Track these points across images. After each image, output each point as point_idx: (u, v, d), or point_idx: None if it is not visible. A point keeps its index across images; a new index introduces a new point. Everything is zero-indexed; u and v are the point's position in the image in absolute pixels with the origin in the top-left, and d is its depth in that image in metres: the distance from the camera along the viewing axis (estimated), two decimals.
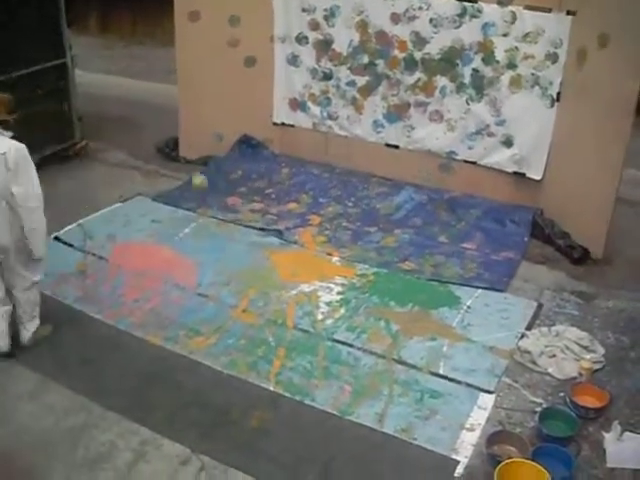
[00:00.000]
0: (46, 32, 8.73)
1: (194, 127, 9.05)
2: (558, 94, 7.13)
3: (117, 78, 12.99)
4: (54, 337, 5.77)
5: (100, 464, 4.64)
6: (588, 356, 5.56)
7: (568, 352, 5.60)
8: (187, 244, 7.18)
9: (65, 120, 9.28)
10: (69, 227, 7.46)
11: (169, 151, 9.46)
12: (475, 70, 7.55)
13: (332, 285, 6.60)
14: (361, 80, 8.27)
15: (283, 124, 8.95)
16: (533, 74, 7.23)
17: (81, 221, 7.59)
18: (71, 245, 7.17)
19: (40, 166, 8.78)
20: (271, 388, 5.29)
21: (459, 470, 4.59)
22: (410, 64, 7.87)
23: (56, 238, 7.25)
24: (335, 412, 5.07)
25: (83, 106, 9.64)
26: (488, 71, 7.48)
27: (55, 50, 8.90)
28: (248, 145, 9.07)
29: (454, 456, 4.70)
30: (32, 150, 8.63)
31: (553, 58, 7.05)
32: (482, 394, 5.25)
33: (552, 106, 7.20)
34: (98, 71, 12.74)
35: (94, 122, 10.04)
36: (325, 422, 5.00)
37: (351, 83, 8.34)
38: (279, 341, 5.79)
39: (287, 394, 5.22)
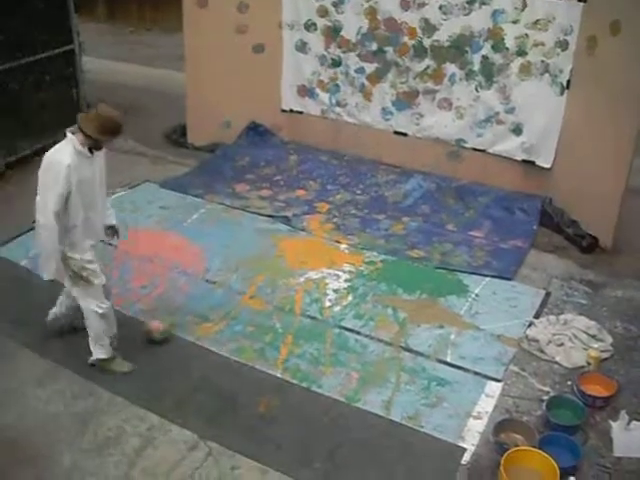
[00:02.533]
0: (54, 19, 8.75)
1: (202, 114, 9.04)
2: (568, 82, 7.09)
3: (125, 65, 12.97)
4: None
5: (108, 449, 4.66)
6: (596, 345, 5.55)
7: (576, 341, 5.59)
8: (195, 230, 7.18)
9: (73, 106, 9.27)
10: None
11: (177, 138, 9.46)
12: (485, 57, 7.51)
13: (340, 272, 6.59)
14: (370, 67, 8.24)
15: (291, 111, 8.94)
16: (543, 61, 7.19)
17: None
18: None
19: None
20: (278, 375, 5.29)
21: (466, 458, 4.59)
22: (419, 51, 7.84)
23: None
24: (342, 399, 5.08)
25: (91, 93, 9.64)
26: (498, 58, 7.44)
27: (63, 37, 8.93)
28: (256, 132, 9.07)
29: (461, 444, 4.70)
30: (41, 136, 8.75)
31: (563, 45, 7.01)
32: (489, 382, 5.25)
33: (562, 94, 7.17)
34: (106, 58, 12.70)
35: None
36: (332, 409, 5.00)
37: (360, 70, 8.32)
38: (286, 328, 5.79)
39: (294, 381, 5.23)
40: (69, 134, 4.70)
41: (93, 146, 4.75)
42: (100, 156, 4.92)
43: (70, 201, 4.71)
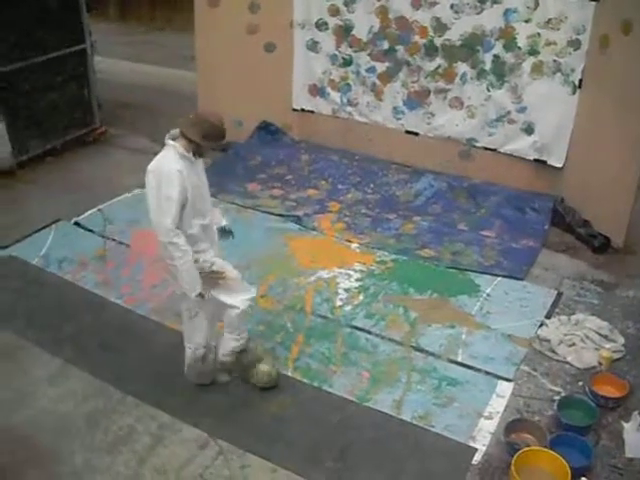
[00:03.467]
0: (66, 18, 8.79)
1: None
2: (580, 81, 7.06)
3: (136, 64, 13.00)
4: (74, 322, 5.80)
5: (119, 447, 4.68)
6: (608, 345, 5.53)
7: (588, 341, 5.57)
8: None
9: (85, 106, 9.36)
10: (89, 212, 7.51)
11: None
12: (496, 56, 7.48)
13: (351, 272, 6.59)
14: (381, 66, 8.23)
15: (303, 110, 8.93)
16: (555, 61, 7.16)
17: (101, 206, 7.63)
18: (91, 230, 7.21)
19: (61, 151, 8.95)
20: (289, 374, 5.30)
21: (477, 458, 4.59)
22: (430, 50, 7.82)
23: (76, 223, 7.30)
24: (353, 398, 5.08)
25: (102, 92, 9.69)
26: (509, 57, 7.41)
27: (75, 36, 8.96)
28: (267, 131, 9.08)
29: (472, 444, 4.70)
30: (53, 135, 8.80)
31: (576, 45, 6.98)
32: (501, 382, 5.24)
33: (574, 93, 7.13)
34: (117, 57, 12.74)
35: (114, 108, 10.11)
36: (343, 408, 5.01)
37: (371, 69, 8.31)
38: (297, 327, 5.79)
39: (305, 380, 5.23)
40: (169, 141, 4.51)
41: (196, 151, 4.55)
42: (200, 161, 4.72)
43: (186, 209, 4.48)
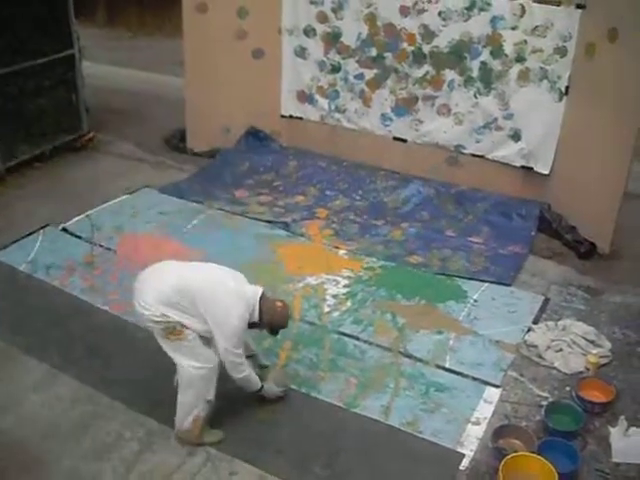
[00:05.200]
0: (54, 24, 8.75)
1: (201, 119, 9.05)
2: (567, 88, 7.11)
3: (124, 70, 12.98)
4: (61, 328, 5.78)
5: (107, 454, 4.66)
6: (595, 351, 5.56)
7: (575, 346, 5.60)
8: (195, 236, 7.17)
9: (73, 112, 9.32)
10: (77, 218, 7.48)
11: (177, 143, 9.47)
12: (483, 63, 7.53)
13: (339, 278, 6.60)
14: (369, 73, 8.25)
15: (291, 117, 8.95)
16: (542, 68, 7.21)
17: (89, 212, 7.60)
18: (79, 236, 7.19)
19: (49, 157, 8.92)
20: None
21: (464, 463, 4.60)
22: (418, 57, 7.86)
23: (64, 229, 7.28)
24: (341, 404, 5.09)
25: (90, 98, 9.67)
26: (496, 64, 7.46)
27: (63, 41, 8.92)
28: (256, 137, 9.08)
29: (459, 449, 4.71)
30: (41, 141, 8.77)
31: (562, 52, 7.03)
32: (488, 388, 5.26)
33: (560, 100, 7.18)
34: (105, 63, 12.72)
35: (101, 114, 10.08)
36: (331, 414, 5.01)
37: (359, 76, 8.33)
38: (285, 333, 5.71)
39: (293, 386, 5.22)
40: (257, 296, 4.59)
41: (251, 326, 4.62)
42: None
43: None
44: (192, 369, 4.52)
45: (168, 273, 4.62)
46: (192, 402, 4.62)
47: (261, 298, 4.59)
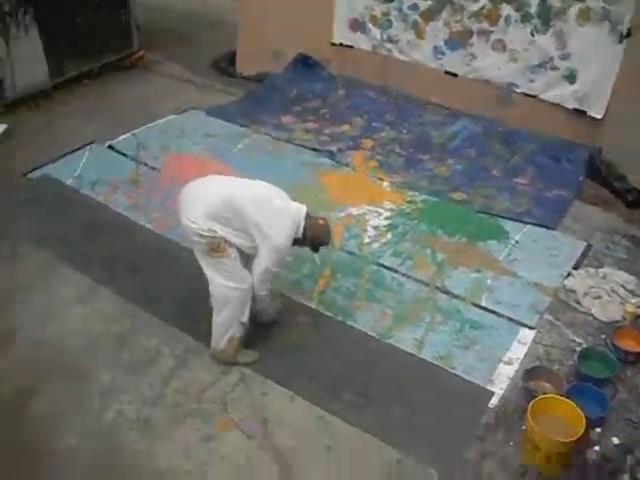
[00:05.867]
0: None
1: (252, 43, 8.97)
2: (628, 30, 6.87)
3: None
4: (104, 244, 5.89)
5: (144, 368, 4.80)
6: (633, 300, 5.50)
7: (613, 295, 5.55)
8: (239, 159, 7.18)
9: (123, 30, 9.30)
10: (123, 136, 7.55)
11: (225, 66, 9.44)
12: (542, 0, 7.29)
13: (381, 210, 6.59)
14: (424, 4, 8.05)
15: (342, 45, 8.81)
16: (603, 7, 6.95)
17: (135, 131, 7.66)
18: (124, 154, 7.26)
19: (98, 75, 8.94)
20: (313, 306, 5.37)
21: (494, 401, 4.64)
22: None
23: (110, 147, 7.35)
24: (375, 335, 5.14)
25: (142, 16, 9.64)
26: (556, 2, 7.20)
27: None
28: (305, 64, 8.98)
29: (490, 387, 4.74)
30: (90, 58, 8.78)
31: None
32: (523, 329, 5.26)
33: (620, 42, 6.95)
34: None
35: (152, 34, 10.05)
36: (365, 344, 5.08)
37: (413, 7, 8.13)
38: (325, 261, 5.82)
39: (329, 313, 5.29)
40: (302, 215, 4.63)
41: (295, 243, 4.66)
42: None
43: None
44: (227, 289, 4.58)
45: (217, 187, 4.61)
46: (227, 322, 4.71)
47: (305, 215, 4.62)
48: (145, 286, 5.49)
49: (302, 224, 4.58)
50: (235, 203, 4.44)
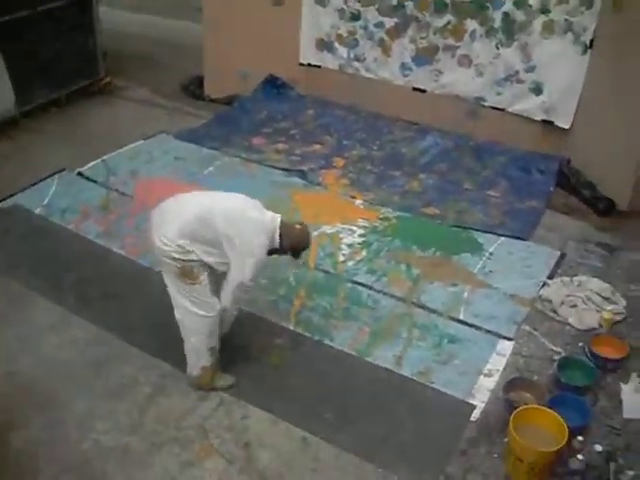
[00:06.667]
0: None
1: (219, 66, 8.97)
2: (591, 41, 6.96)
3: (143, 15, 12.81)
4: (76, 271, 5.81)
5: (120, 396, 4.72)
6: (609, 307, 5.53)
7: (589, 303, 5.57)
8: (211, 182, 7.12)
9: (89, 56, 9.24)
10: (92, 163, 7.48)
11: (194, 89, 9.41)
12: (506, 14, 7.36)
13: (354, 227, 6.58)
14: (389, 22, 8.10)
15: (309, 65, 8.84)
16: (566, 20, 7.05)
17: (104, 157, 7.60)
18: (94, 181, 7.19)
19: (65, 102, 8.89)
20: (291, 327, 5.33)
21: (475, 414, 4.62)
22: (440, 6, 7.70)
23: (79, 174, 7.28)
24: (354, 353, 5.11)
25: (108, 43, 9.59)
26: (520, 15, 7.30)
27: None
28: (273, 85, 8.99)
29: (471, 400, 4.73)
30: (58, 85, 8.73)
31: (588, 3, 6.85)
32: (501, 340, 5.26)
33: (585, 53, 7.04)
34: (123, 8, 12.57)
35: (119, 59, 10.01)
36: (343, 362, 5.04)
37: (379, 24, 8.19)
38: (300, 281, 5.80)
39: (307, 333, 5.26)
40: (275, 224, 4.58)
41: (271, 252, 4.62)
42: None
43: None
44: (196, 317, 4.50)
45: (189, 204, 4.53)
46: (196, 349, 4.64)
47: (280, 224, 4.58)
48: (119, 313, 5.42)
49: (277, 232, 4.54)
50: (207, 217, 4.37)
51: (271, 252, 4.59)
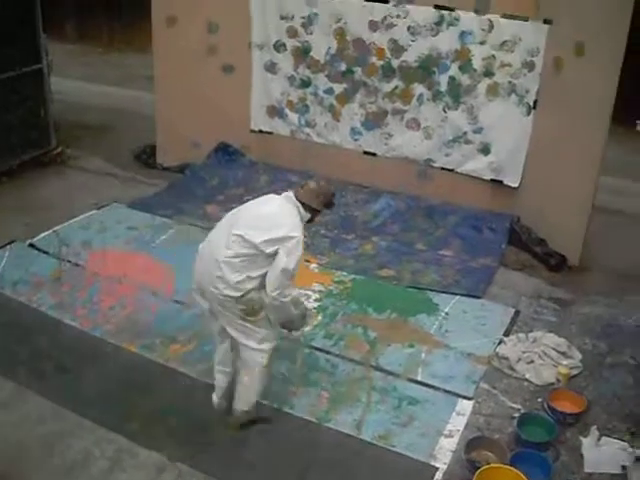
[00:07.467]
0: (22, 38, 8.68)
1: (171, 134, 9.02)
2: (535, 102, 7.17)
3: (95, 85, 12.90)
4: (28, 345, 5.69)
5: (76, 472, 4.58)
6: (565, 362, 5.58)
7: (546, 358, 5.62)
8: (164, 251, 7.12)
9: (41, 126, 9.22)
10: (44, 234, 7.38)
11: (146, 158, 9.42)
12: (452, 78, 7.57)
13: (310, 292, 6.58)
14: (339, 87, 8.26)
15: (261, 131, 8.93)
16: (510, 82, 7.27)
17: (56, 228, 7.52)
18: (46, 252, 7.10)
19: (16, 172, 8.81)
20: None
21: (438, 476, 4.58)
22: (388, 72, 7.88)
23: (31, 245, 7.19)
24: (313, 419, 5.05)
25: (60, 113, 9.60)
26: (465, 79, 7.50)
27: (31, 56, 8.84)
28: (225, 152, 9.04)
29: (433, 462, 4.68)
30: (9, 156, 8.67)
31: (530, 66, 7.09)
32: (460, 400, 5.25)
33: (529, 114, 7.24)
34: (75, 78, 12.65)
35: (71, 129, 10.01)
36: (303, 429, 4.97)
37: (329, 90, 8.34)
38: None
39: (265, 402, 5.17)
40: (293, 200, 4.63)
41: (311, 219, 4.75)
42: None
43: None
44: (259, 352, 4.67)
45: (220, 239, 4.63)
46: (255, 385, 4.80)
47: (296, 195, 4.64)
48: (73, 386, 5.29)
49: (299, 206, 4.61)
50: (243, 236, 4.47)
51: (309, 221, 4.71)
